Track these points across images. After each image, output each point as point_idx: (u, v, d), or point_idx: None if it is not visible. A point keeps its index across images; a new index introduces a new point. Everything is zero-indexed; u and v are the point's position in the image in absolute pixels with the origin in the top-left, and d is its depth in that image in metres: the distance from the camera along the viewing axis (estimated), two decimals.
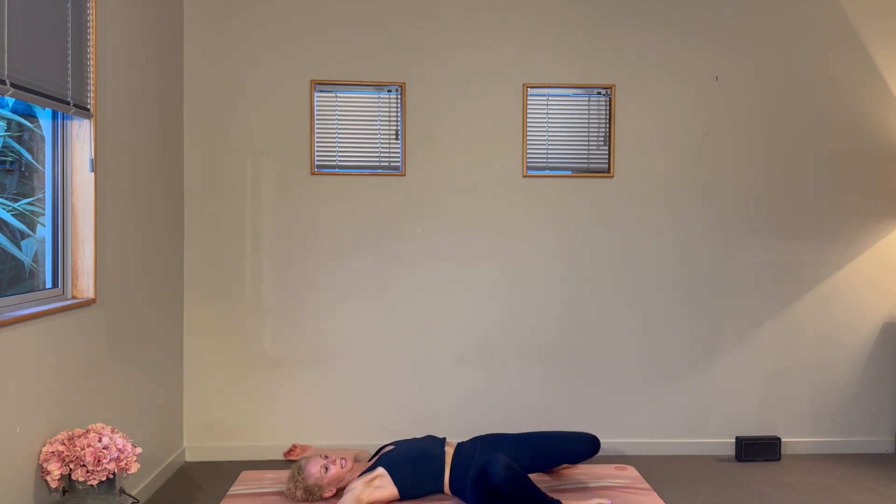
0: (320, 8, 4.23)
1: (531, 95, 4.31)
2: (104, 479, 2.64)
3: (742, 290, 4.38)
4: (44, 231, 2.98)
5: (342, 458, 3.50)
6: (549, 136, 4.34)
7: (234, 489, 3.65)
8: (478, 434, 4.28)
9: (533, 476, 3.77)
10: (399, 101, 4.26)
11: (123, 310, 3.39)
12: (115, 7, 3.28)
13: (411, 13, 4.25)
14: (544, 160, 4.34)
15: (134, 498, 2.85)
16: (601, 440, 4.35)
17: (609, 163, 4.33)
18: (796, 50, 4.36)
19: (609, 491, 3.61)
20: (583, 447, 3.58)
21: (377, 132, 4.28)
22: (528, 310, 4.34)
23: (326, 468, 3.44)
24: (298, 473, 3.45)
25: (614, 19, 4.31)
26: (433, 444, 3.53)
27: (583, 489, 3.62)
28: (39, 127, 2.96)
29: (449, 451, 3.49)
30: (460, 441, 3.64)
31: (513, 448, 3.50)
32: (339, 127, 4.27)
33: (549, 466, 3.58)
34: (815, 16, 4.35)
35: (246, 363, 4.26)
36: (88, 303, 3.01)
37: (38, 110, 2.94)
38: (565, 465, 3.82)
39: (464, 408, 4.33)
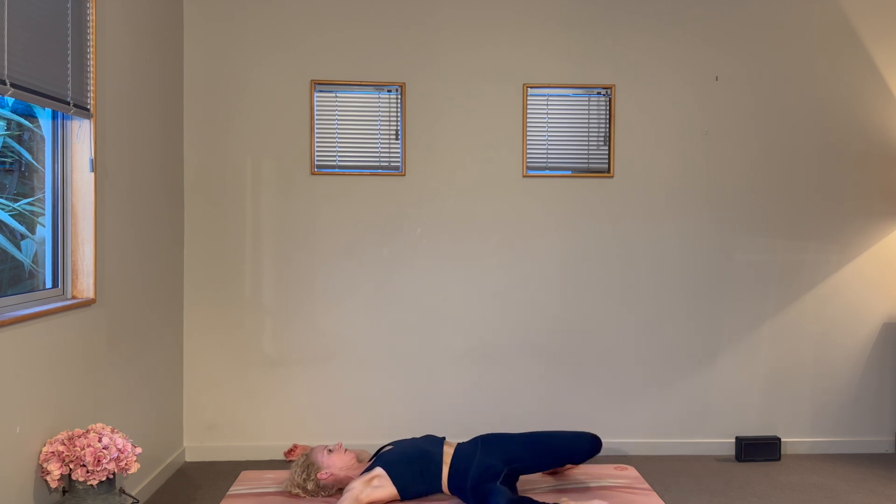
0: (320, 8, 4.23)
1: (531, 95, 4.31)
2: (104, 479, 2.64)
3: (742, 290, 4.38)
4: (44, 231, 2.98)
5: (345, 449, 3.60)
6: (549, 136, 4.34)
7: (234, 489, 3.65)
8: (477, 434, 4.28)
9: (534, 476, 3.77)
10: (399, 101, 4.26)
11: (123, 310, 3.39)
12: (115, 7, 3.28)
13: (411, 13, 4.26)
14: (544, 160, 4.34)
15: (134, 498, 2.85)
16: (601, 440, 4.35)
17: (609, 163, 4.33)
18: (796, 50, 4.36)
19: (609, 491, 3.61)
20: (584, 446, 3.55)
21: (377, 132, 4.28)
22: (527, 309, 4.34)
23: (330, 450, 3.54)
24: (303, 456, 3.57)
25: (614, 19, 4.31)
26: (432, 444, 3.52)
27: (583, 489, 3.62)
28: (39, 127, 2.96)
29: (448, 451, 3.48)
30: (460, 441, 3.63)
31: (513, 448, 3.49)
32: (339, 127, 4.27)
33: (550, 466, 3.57)
34: (815, 16, 4.35)
35: (246, 363, 4.26)
36: (88, 303, 3.01)
37: (38, 110, 2.94)
38: (567, 466, 3.83)
39: (463, 407, 4.33)
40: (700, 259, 4.37)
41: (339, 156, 4.28)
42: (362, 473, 3.42)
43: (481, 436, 3.58)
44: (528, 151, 4.32)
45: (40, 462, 2.63)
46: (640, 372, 4.37)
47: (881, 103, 4.38)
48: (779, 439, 4.28)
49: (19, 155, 2.89)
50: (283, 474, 3.84)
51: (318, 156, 4.26)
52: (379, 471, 3.37)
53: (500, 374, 4.34)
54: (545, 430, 4.30)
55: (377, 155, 4.29)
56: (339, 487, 3.52)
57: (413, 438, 3.66)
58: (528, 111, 4.31)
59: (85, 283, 3.05)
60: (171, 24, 3.99)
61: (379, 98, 4.27)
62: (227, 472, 4.05)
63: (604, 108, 4.34)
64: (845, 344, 4.42)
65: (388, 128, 4.28)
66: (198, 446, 4.25)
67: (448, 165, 4.30)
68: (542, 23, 4.29)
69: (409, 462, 3.39)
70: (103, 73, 3.16)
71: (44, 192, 2.97)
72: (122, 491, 2.79)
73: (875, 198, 4.40)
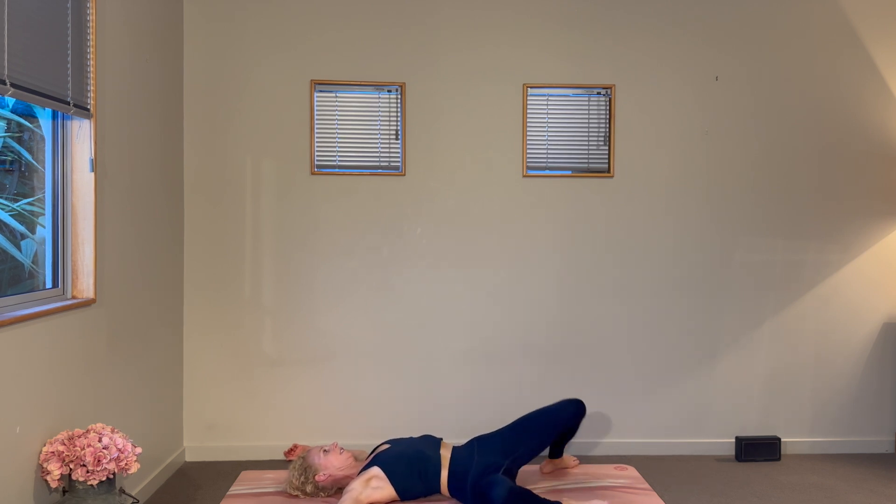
0: (320, 8, 4.23)
1: (531, 95, 4.31)
2: (104, 479, 2.64)
3: (742, 290, 4.38)
4: (44, 231, 2.98)
5: (341, 449, 3.57)
6: (549, 136, 4.34)
7: (234, 489, 3.65)
8: (476, 433, 4.28)
9: (533, 475, 3.77)
10: (399, 101, 4.26)
11: (123, 310, 3.39)
12: (115, 7, 3.28)
13: (411, 13, 4.26)
14: (544, 160, 4.34)
15: (134, 498, 2.85)
16: (600, 440, 4.36)
17: (609, 163, 4.33)
18: (796, 50, 4.36)
19: (609, 491, 3.61)
20: (569, 409, 3.61)
21: (377, 132, 4.28)
22: (527, 309, 4.34)
23: (326, 451, 3.53)
24: (299, 459, 3.55)
25: (614, 19, 4.31)
26: (429, 447, 3.51)
27: (583, 489, 3.63)
28: (39, 127, 2.96)
29: (445, 455, 3.48)
30: (456, 445, 3.63)
31: (507, 439, 3.50)
32: (339, 127, 4.27)
33: (547, 443, 3.58)
34: (815, 16, 4.35)
35: (246, 363, 4.26)
36: (88, 303, 3.01)
37: (38, 110, 2.94)
38: (564, 465, 3.84)
39: (463, 407, 4.33)
40: (700, 259, 4.37)
41: (339, 156, 4.28)
42: (360, 472, 3.42)
43: (476, 437, 3.59)
44: (528, 151, 4.32)
45: (40, 462, 2.63)
46: (640, 372, 4.37)
47: (881, 103, 4.38)
48: (779, 439, 4.28)
49: (19, 155, 2.89)
50: (283, 474, 3.84)
51: (318, 156, 4.26)
52: (377, 471, 3.36)
53: (500, 374, 4.34)
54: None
55: (377, 155, 4.29)
56: (338, 487, 3.52)
57: (410, 438, 3.66)
58: (528, 111, 4.31)
59: (85, 283, 3.05)
60: (171, 24, 3.99)
61: (379, 98, 4.27)
62: (227, 472, 4.05)
63: (604, 108, 4.34)
64: (845, 344, 4.42)
65: (388, 128, 4.28)
66: (198, 446, 4.25)
67: (448, 165, 4.30)
68: (542, 23, 4.29)
69: (408, 463, 3.39)
70: (103, 73, 3.16)
71: (44, 192, 2.97)
72: (122, 491, 2.79)
73: (875, 198, 4.40)
